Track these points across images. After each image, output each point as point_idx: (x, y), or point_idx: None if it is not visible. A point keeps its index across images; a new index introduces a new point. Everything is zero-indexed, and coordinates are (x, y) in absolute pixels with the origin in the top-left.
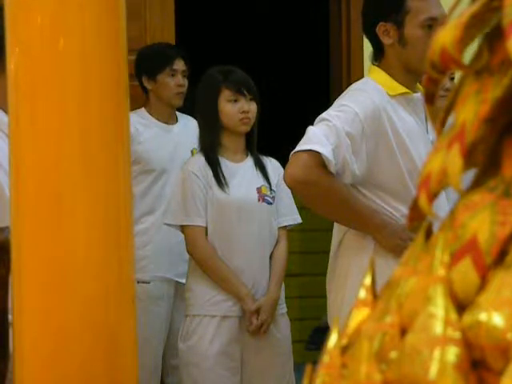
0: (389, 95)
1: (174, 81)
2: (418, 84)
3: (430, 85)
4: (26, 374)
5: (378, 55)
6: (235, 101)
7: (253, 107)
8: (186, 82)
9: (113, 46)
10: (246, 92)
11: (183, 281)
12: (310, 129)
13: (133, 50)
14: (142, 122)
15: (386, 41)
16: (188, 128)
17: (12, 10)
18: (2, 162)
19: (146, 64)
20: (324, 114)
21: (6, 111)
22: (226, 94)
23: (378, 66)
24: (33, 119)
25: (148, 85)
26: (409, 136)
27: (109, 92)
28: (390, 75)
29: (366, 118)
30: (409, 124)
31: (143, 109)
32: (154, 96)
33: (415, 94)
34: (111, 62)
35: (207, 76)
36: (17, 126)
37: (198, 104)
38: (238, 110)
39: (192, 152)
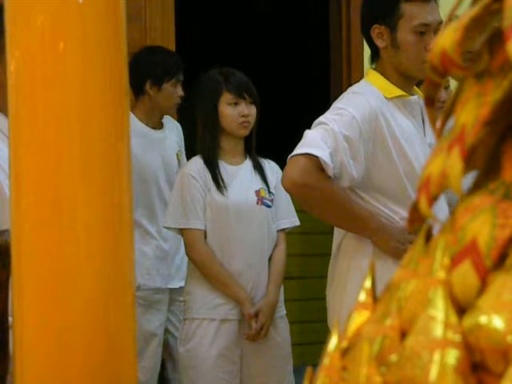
0: (385, 98)
1: (177, 91)
2: (415, 87)
3: (430, 88)
4: (26, 377)
5: (375, 57)
6: (235, 104)
7: (253, 111)
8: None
9: (113, 49)
10: (246, 96)
11: (175, 286)
12: (308, 132)
13: (133, 53)
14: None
15: (380, 43)
16: (173, 132)
17: (12, 12)
18: (2, 164)
19: (155, 70)
20: (321, 118)
21: (6, 115)
22: (226, 98)
23: (374, 68)
24: (33, 122)
25: (150, 90)
26: (406, 138)
27: (109, 94)
28: (386, 78)
29: (364, 120)
30: (406, 127)
31: (130, 113)
32: (150, 102)
33: (412, 97)
34: (111, 65)
35: (208, 78)
36: (17, 129)
37: (199, 106)
38: (238, 114)
39: (177, 155)
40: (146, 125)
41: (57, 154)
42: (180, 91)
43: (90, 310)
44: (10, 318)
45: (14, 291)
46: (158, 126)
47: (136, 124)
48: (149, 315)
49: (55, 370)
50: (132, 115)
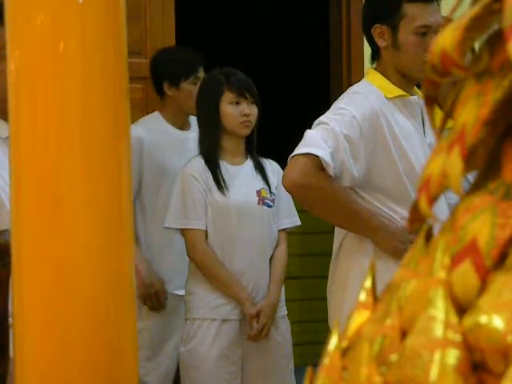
0: (386, 98)
1: (196, 89)
2: (415, 87)
3: (431, 87)
4: (26, 377)
5: (375, 56)
6: (237, 103)
7: (254, 110)
8: None
9: (113, 49)
10: (248, 95)
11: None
12: (308, 132)
13: (133, 53)
14: (156, 128)
15: (381, 43)
16: None
17: (12, 12)
18: (2, 173)
19: (170, 70)
20: (322, 118)
21: (5, 120)
22: (228, 97)
23: (375, 68)
24: (33, 122)
25: (169, 91)
26: (406, 138)
27: (109, 94)
28: (386, 77)
29: (364, 120)
30: (406, 126)
31: (157, 113)
32: (173, 102)
33: (412, 97)
34: (111, 65)
35: (209, 78)
36: (17, 129)
37: (200, 106)
38: (239, 113)
39: None
40: (172, 125)
41: (57, 154)
42: None
43: (90, 310)
44: (10, 319)
45: (14, 291)
46: (186, 126)
47: (162, 124)
48: (165, 317)
49: (55, 371)
50: (159, 116)
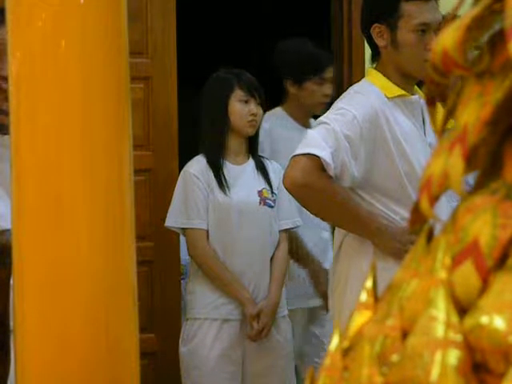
0: (386, 97)
1: (321, 90)
2: (415, 87)
3: (432, 87)
4: (27, 378)
5: (375, 56)
6: (246, 102)
7: (260, 111)
8: (331, 90)
9: (114, 49)
10: (256, 95)
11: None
12: (309, 132)
13: (134, 53)
14: (279, 122)
15: (380, 42)
16: None
17: (14, 13)
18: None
19: (295, 68)
20: (322, 118)
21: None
22: (238, 95)
23: (375, 68)
24: (34, 122)
25: (291, 89)
26: (406, 138)
27: (110, 94)
28: (387, 77)
29: (365, 120)
30: (406, 126)
31: (280, 108)
32: (295, 99)
33: (413, 97)
34: (112, 65)
35: (218, 76)
36: (18, 129)
37: (206, 104)
38: (248, 112)
39: None
40: (295, 120)
41: (58, 154)
42: (326, 89)
43: (91, 310)
44: (10, 320)
45: (15, 291)
46: (307, 124)
47: (285, 118)
48: None
49: (56, 370)
50: (281, 109)
